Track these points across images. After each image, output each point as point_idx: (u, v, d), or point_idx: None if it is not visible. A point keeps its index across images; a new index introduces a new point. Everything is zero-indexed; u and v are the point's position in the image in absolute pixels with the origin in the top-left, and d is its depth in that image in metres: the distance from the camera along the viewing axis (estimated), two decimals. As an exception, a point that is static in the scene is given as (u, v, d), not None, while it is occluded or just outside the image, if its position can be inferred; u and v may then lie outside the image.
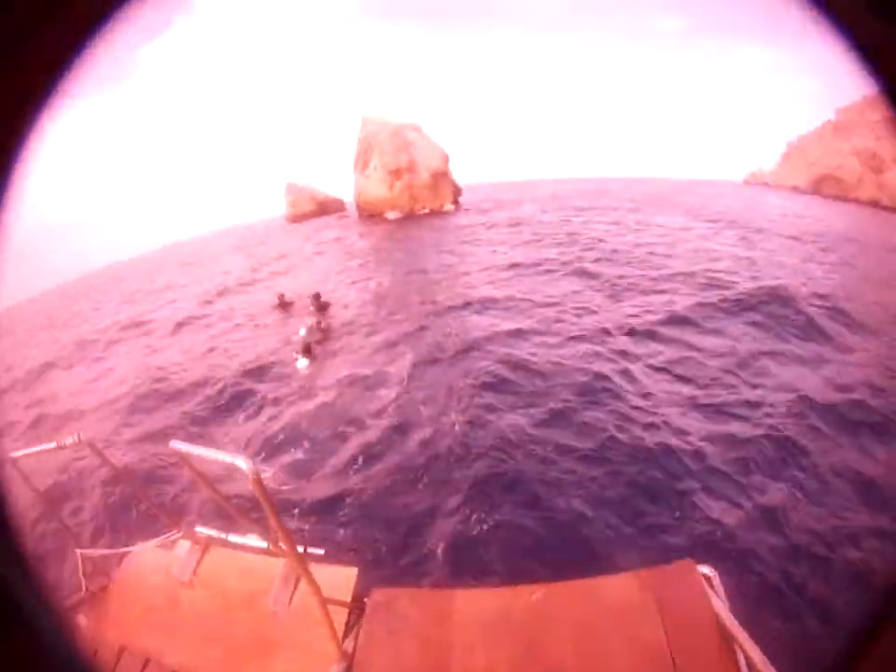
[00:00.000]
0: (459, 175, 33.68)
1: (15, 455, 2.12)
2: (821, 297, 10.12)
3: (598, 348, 8.36)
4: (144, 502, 4.99)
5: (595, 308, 10.53)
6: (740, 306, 9.77)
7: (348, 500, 5.49)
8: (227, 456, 1.45)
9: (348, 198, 36.35)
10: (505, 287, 12.73)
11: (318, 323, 10.84)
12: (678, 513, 4.76)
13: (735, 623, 2.01)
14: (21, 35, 0.30)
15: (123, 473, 2.46)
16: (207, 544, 2.47)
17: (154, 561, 2.49)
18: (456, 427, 6.36)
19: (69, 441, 1.97)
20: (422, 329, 10.33)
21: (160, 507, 4.38)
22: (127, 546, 2.52)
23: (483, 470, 5.51)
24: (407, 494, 5.45)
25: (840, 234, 18.27)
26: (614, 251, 15.53)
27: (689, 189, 40.10)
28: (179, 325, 14.15)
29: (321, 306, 12.17)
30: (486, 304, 11.30)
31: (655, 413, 6.34)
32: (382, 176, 31.59)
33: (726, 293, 10.53)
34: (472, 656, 2.07)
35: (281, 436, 7.13)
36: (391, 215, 30.81)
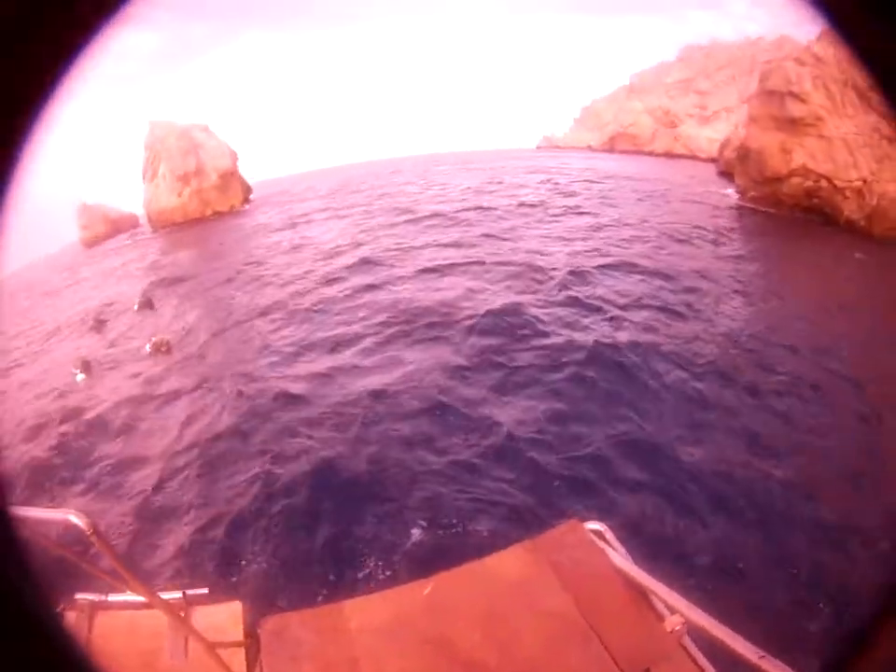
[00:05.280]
0: (252, 173, 33.70)
1: None
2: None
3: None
4: None
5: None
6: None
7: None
8: (56, 513, 1.27)
9: (141, 210, 33.64)
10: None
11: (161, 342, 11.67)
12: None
13: (641, 571, 1.95)
14: (21, 33, 0.30)
15: None
16: (91, 612, 2.22)
17: None
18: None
19: None
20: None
21: None
22: None
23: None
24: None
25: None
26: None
27: (477, 158, 44.07)
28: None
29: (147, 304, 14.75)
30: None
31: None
32: (171, 184, 29.66)
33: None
34: (380, 666, 1.98)
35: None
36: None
